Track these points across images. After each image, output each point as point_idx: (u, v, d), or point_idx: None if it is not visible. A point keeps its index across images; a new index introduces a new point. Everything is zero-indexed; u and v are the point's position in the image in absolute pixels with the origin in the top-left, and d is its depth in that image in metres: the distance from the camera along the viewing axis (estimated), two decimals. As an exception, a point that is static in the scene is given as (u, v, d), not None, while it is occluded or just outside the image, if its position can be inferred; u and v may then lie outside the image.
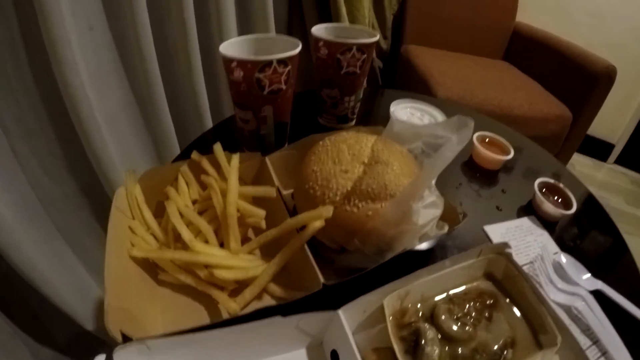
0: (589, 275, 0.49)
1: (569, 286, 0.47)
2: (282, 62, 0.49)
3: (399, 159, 0.41)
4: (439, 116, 0.70)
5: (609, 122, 2.08)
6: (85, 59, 0.69)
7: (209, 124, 1.02)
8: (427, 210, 0.37)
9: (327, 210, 0.37)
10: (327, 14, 1.36)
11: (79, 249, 0.78)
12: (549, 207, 0.56)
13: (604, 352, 0.41)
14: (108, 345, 0.29)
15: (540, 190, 0.59)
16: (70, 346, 0.78)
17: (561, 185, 0.60)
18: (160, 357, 0.31)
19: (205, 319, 0.38)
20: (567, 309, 0.45)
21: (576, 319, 0.45)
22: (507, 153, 0.66)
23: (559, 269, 0.49)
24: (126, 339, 0.31)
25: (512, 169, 0.68)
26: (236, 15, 1.01)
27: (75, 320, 0.72)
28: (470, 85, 1.38)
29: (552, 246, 0.54)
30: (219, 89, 1.09)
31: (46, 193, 0.72)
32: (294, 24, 1.37)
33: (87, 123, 0.70)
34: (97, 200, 0.82)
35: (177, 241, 0.42)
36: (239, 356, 0.34)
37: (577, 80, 1.46)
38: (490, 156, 0.65)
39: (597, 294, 0.47)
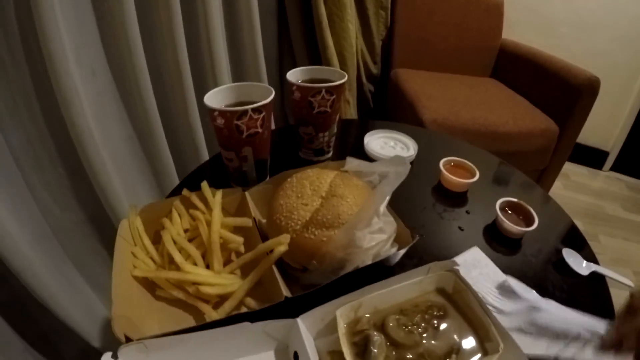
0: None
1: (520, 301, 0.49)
2: (257, 110, 0.54)
3: (353, 192, 0.47)
4: (410, 144, 0.75)
5: (602, 130, 2.07)
6: (89, 101, 0.73)
7: (205, 155, 1.06)
8: (374, 235, 0.43)
9: (286, 238, 0.43)
10: (315, 45, 1.38)
11: (86, 272, 0.82)
12: (510, 226, 0.59)
13: (586, 341, 0.43)
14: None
15: (504, 209, 0.61)
16: (77, 361, 0.80)
17: (523, 203, 0.61)
18: (155, 354, 0.37)
19: (192, 325, 0.43)
20: (530, 322, 0.47)
21: (541, 329, 0.46)
22: (473, 176, 0.68)
23: (507, 291, 0.51)
24: (129, 341, 0.37)
25: (480, 190, 0.69)
26: (227, 47, 1.05)
27: (82, 337, 0.76)
28: (455, 106, 1.39)
29: (498, 275, 0.54)
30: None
31: (56, 222, 0.76)
32: (285, 58, 1.40)
33: (92, 158, 0.75)
34: (103, 228, 0.86)
35: (171, 263, 0.47)
36: (217, 355, 0.40)
37: (561, 93, 1.45)
38: (454, 180, 0.67)
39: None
